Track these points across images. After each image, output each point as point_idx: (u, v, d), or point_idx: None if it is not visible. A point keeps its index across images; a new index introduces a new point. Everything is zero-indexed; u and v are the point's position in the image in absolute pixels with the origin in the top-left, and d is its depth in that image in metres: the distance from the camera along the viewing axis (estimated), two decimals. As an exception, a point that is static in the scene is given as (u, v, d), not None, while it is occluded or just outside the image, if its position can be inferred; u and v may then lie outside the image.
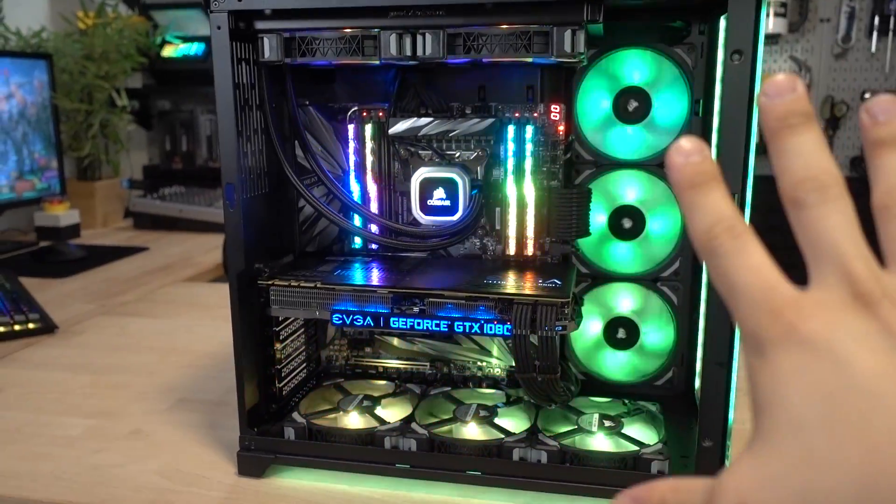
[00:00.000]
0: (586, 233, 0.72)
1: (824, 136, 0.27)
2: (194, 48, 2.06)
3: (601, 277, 0.77)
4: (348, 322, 0.67)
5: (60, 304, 1.24)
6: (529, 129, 0.72)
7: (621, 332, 0.78)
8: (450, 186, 0.72)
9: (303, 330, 0.79)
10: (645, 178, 0.73)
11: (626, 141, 0.73)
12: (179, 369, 0.96)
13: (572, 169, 0.74)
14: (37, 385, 0.92)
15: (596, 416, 0.70)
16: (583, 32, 0.59)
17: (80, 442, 0.77)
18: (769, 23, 2.53)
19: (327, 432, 0.69)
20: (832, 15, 2.59)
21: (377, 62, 0.63)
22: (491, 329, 0.64)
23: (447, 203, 0.72)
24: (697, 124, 0.71)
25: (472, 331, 0.64)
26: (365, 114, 0.76)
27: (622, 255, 0.76)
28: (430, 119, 0.73)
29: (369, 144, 0.77)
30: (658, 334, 0.77)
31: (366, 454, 0.68)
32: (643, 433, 0.69)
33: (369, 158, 0.77)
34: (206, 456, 0.73)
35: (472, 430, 0.70)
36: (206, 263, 1.58)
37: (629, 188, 0.74)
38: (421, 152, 0.75)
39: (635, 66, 0.71)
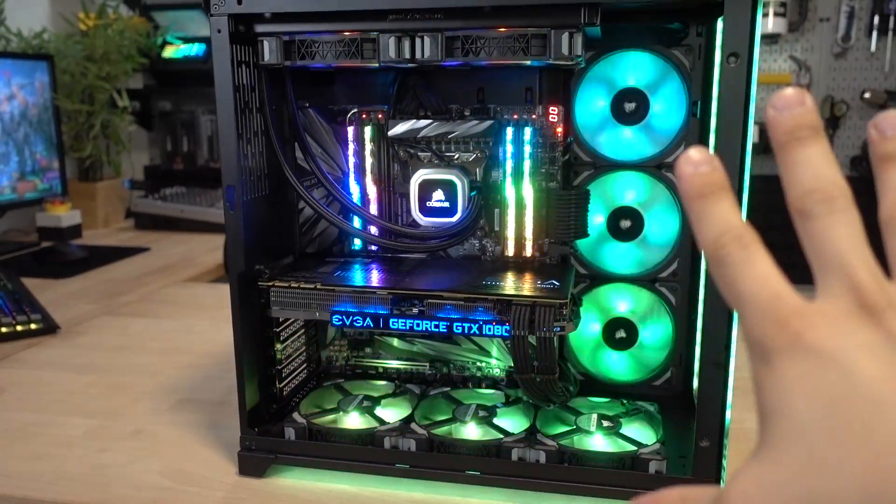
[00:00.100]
0: (585, 234, 0.73)
1: (830, 145, 0.27)
2: (195, 49, 2.07)
3: (600, 278, 0.77)
4: (348, 323, 0.67)
5: (62, 304, 1.24)
6: (528, 131, 0.72)
7: (620, 333, 0.78)
8: (449, 188, 0.73)
9: (303, 331, 0.79)
10: (643, 179, 0.73)
11: (624, 142, 0.73)
12: (181, 370, 0.96)
13: (571, 170, 0.75)
14: (39, 385, 0.92)
15: (594, 416, 0.71)
16: (580, 35, 0.59)
17: (82, 442, 0.77)
18: (769, 22, 2.53)
19: (327, 432, 0.70)
20: (832, 14, 2.59)
21: (376, 65, 0.63)
22: (490, 330, 0.64)
23: (446, 204, 0.73)
24: (695, 126, 0.71)
25: (471, 332, 0.65)
26: (364, 116, 0.77)
27: (620, 256, 0.76)
28: (430, 121, 0.73)
29: (369, 146, 0.77)
30: (656, 335, 0.77)
31: (366, 454, 0.68)
32: (641, 433, 0.69)
33: (369, 160, 0.77)
34: (208, 456, 0.74)
35: (471, 431, 0.70)
36: (208, 264, 1.59)
37: (627, 189, 0.74)
38: (420, 154, 0.76)
39: (633, 67, 0.72)
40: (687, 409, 0.75)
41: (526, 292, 0.65)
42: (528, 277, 0.70)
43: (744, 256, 0.27)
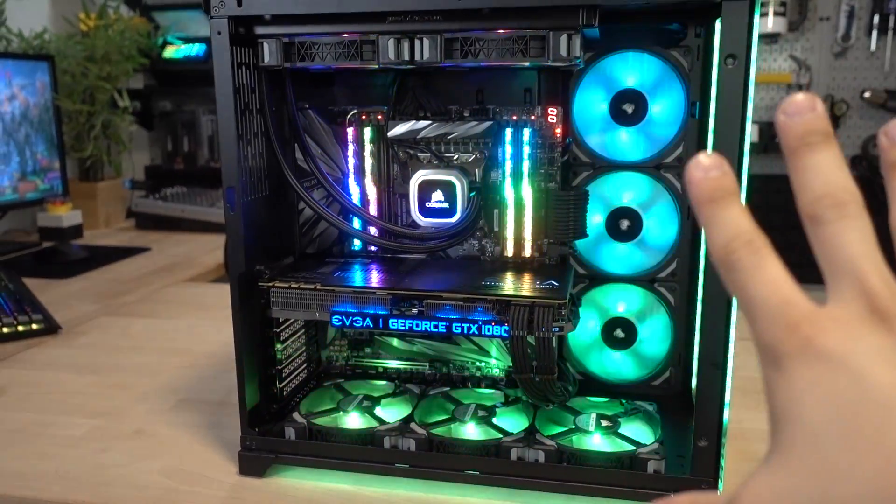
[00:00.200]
0: (584, 234, 0.73)
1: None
2: (195, 49, 2.07)
3: (599, 278, 0.77)
4: (348, 323, 0.67)
5: (63, 304, 1.25)
6: (527, 132, 0.72)
7: (619, 333, 0.78)
8: (448, 188, 0.73)
9: (303, 331, 0.79)
10: (642, 179, 0.74)
11: (622, 143, 0.74)
12: (181, 370, 0.97)
13: (570, 171, 0.75)
14: (40, 385, 0.93)
15: (593, 415, 0.71)
16: (578, 37, 0.59)
17: (83, 442, 0.78)
18: (769, 21, 2.53)
19: (327, 432, 0.70)
20: (832, 14, 2.59)
21: (375, 66, 0.63)
22: (489, 330, 0.64)
23: (446, 205, 0.73)
24: (694, 126, 0.72)
25: (470, 332, 0.65)
26: (364, 117, 0.77)
27: (619, 257, 0.76)
28: (429, 122, 0.73)
29: (368, 147, 0.77)
30: (655, 335, 0.78)
31: (365, 454, 0.69)
32: (640, 433, 0.69)
33: (368, 161, 0.78)
34: (208, 456, 0.74)
35: (470, 430, 0.70)
36: (208, 264, 1.59)
37: (626, 190, 0.74)
38: (420, 155, 0.76)
39: (632, 68, 0.72)
40: (686, 408, 0.75)
41: (525, 293, 0.65)
42: (527, 278, 0.70)
43: (754, 261, 0.27)
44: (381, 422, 0.71)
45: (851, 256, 0.26)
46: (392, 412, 0.74)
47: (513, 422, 0.71)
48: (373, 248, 0.80)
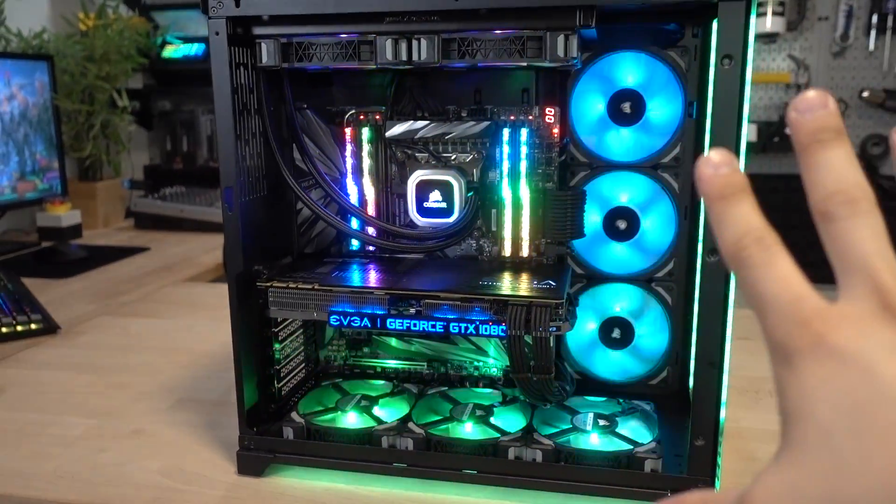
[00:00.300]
0: (581, 234, 0.73)
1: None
2: (194, 49, 2.07)
3: (596, 278, 0.77)
4: (346, 323, 0.68)
5: (62, 304, 1.25)
6: (524, 132, 0.72)
7: (616, 332, 0.78)
8: (446, 188, 0.73)
9: (301, 330, 0.80)
10: (639, 179, 0.74)
11: (620, 143, 0.74)
12: (180, 369, 0.97)
13: (567, 171, 0.75)
14: (39, 385, 0.93)
15: (591, 415, 0.71)
16: (576, 37, 0.59)
17: (81, 441, 0.78)
18: (767, 21, 2.53)
19: (325, 432, 0.70)
20: (830, 13, 2.59)
21: (373, 67, 0.64)
22: (486, 330, 0.65)
23: (443, 205, 0.73)
24: (691, 126, 0.72)
25: (468, 332, 0.65)
26: (362, 117, 0.77)
27: (617, 256, 0.77)
28: (427, 122, 0.74)
29: (366, 147, 0.78)
30: (653, 334, 0.78)
31: (363, 453, 0.69)
32: (637, 432, 0.70)
33: (366, 161, 0.78)
34: (206, 455, 0.74)
35: (468, 430, 0.71)
36: (207, 263, 1.59)
37: (623, 190, 0.75)
38: (417, 155, 0.76)
39: (629, 68, 0.72)
40: (683, 407, 0.75)
41: (522, 292, 0.65)
42: (524, 277, 0.70)
43: (765, 258, 0.26)
44: (379, 421, 0.71)
45: (863, 253, 0.25)
46: (390, 412, 0.74)
47: (510, 421, 0.72)
48: (371, 247, 0.80)
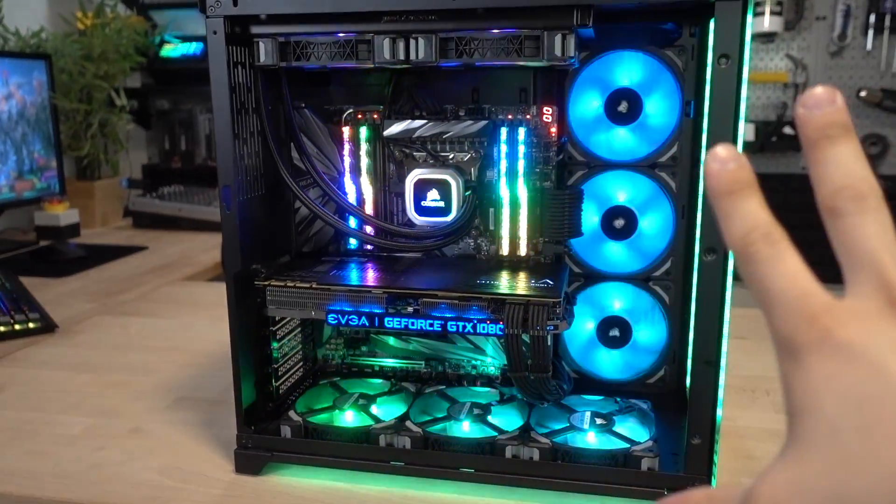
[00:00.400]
0: (578, 233, 0.73)
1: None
2: (193, 48, 2.07)
3: (594, 277, 0.78)
4: (343, 322, 0.68)
5: (60, 303, 1.25)
6: (522, 131, 0.72)
7: (614, 331, 0.79)
8: (444, 187, 0.73)
9: (299, 329, 0.80)
10: (636, 178, 0.74)
11: (617, 142, 0.74)
12: (178, 368, 0.97)
13: (565, 170, 0.75)
14: (37, 384, 0.93)
15: (588, 413, 0.71)
16: (573, 37, 0.59)
17: (80, 440, 0.78)
18: (765, 21, 2.53)
19: (323, 430, 0.70)
20: (828, 13, 2.59)
21: (371, 66, 0.64)
22: (484, 328, 0.65)
23: (441, 204, 0.73)
24: (688, 125, 0.72)
25: (465, 330, 0.65)
26: (360, 116, 0.77)
27: (614, 255, 0.77)
28: (425, 121, 0.74)
29: (364, 146, 0.78)
30: (650, 333, 0.78)
31: (361, 452, 0.69)
32: (634, 431, 0.70)
33: (364, 160, 0.78)
34: (205, 454, 0.74)
35: (465, 428, 0.71)
36: (205, 262, 1.59)
37: (621, 189, 0.75)
38: (415, 154, 0.76)
39: (627, 68, 0.72)
40: (680, 406, 0.75)
41: (520, 291, 0.65)
42: (522, 276, 0.70)
43: (772, 254, 0.26)
44: (377, 420, 0.72)
45: (871, 249, 0.25)
46: (388, 410, 0.74)
47: (508, 420, 0.72)
48: (369, 246, 0.80)
